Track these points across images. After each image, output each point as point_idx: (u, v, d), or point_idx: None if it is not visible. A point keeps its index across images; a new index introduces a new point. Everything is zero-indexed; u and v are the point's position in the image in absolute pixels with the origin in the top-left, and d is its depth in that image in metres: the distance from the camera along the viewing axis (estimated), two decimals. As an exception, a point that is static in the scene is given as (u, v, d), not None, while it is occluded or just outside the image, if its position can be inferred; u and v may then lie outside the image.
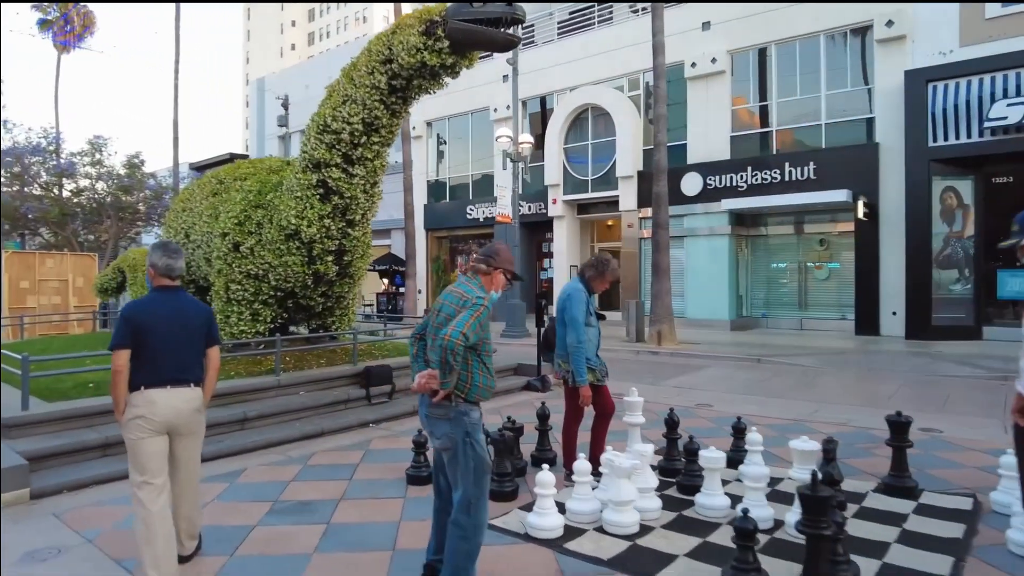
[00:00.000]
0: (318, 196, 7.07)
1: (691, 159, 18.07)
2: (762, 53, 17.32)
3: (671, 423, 5.24)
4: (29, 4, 38.64)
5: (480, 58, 7.27)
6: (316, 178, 7.00)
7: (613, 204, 19.75)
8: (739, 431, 5.43)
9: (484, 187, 23.43)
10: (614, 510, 4.01)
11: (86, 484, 4.90)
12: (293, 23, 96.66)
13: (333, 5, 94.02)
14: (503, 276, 3.36)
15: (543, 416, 5.55)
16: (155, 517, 3.24)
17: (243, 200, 7.74)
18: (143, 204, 26.19)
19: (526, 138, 17.30)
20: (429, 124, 25.00)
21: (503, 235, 22.31)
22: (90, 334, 12.14)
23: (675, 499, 4.56)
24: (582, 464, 4.25)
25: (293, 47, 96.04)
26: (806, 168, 16.08)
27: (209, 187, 8.60)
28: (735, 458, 5.17)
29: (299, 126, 29.63)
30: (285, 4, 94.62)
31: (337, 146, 6.89)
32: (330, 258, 7.45)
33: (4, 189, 24.68)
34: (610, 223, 21.88)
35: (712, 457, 4.30)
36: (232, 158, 34.92)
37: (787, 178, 16.34)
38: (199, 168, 33.75)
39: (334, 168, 6.95)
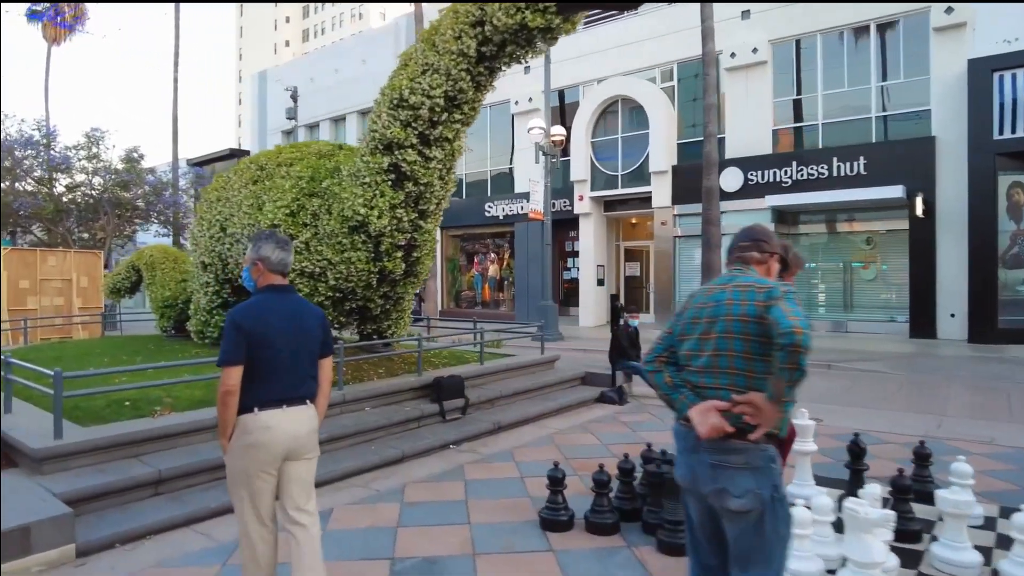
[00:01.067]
0: (389, 182, 6.10)
1: (729, 153, 17.19)
2: (807, 43, 16.48)
3: (856, 451, 4.32)
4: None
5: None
6: (388, 161, 6.02)
7: (644, 201, 18.84)
8: (922, 457, 4.53)
9: (502, 184, 22.47)
10: (856, 573, 3.07)
11: (141, 534, 3.91)
12: (287, 19, 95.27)
13: (327, 2, 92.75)
14: (777, 264, 2.47)
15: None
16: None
17: (294, 188, 6.75)
18: (142, 200, 24.98)
19: (559, 130, 16.38)
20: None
21: (524, 233, 21.39)
22: (98, 339, 11.08)
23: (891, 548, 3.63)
24: (802, 512, 3.31)
25: (287, 43, 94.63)
26: (855, 163, 15.25)
27: (248, 174, 7.59)
28: (922, 490, 4.29)
29: (307, 119, 28.58)
30: (279, 2, 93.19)
31: (414, 124, 5.92)
32: (399, 254, 6.48)
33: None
34: (634, 221, 21.00)
35: (958, 500, 3.39)
36: (232, 154, 33.75)
37: (835, 173, 15.50)
38: (198, 164, 32.60)
39: (409, 150, 5.98)
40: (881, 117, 15.44)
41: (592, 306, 19.82)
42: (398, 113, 5.92)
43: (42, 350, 8.70)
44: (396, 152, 6.00)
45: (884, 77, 15.41)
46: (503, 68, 6.04)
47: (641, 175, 18.70)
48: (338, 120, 28.95)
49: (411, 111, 5.87)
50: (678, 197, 17.84)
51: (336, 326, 7.09)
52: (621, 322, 8.93)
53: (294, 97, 22.75)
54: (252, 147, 33.60)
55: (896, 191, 14.35)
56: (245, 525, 2.85)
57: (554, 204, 20.21)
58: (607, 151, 19.53)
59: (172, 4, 29.25)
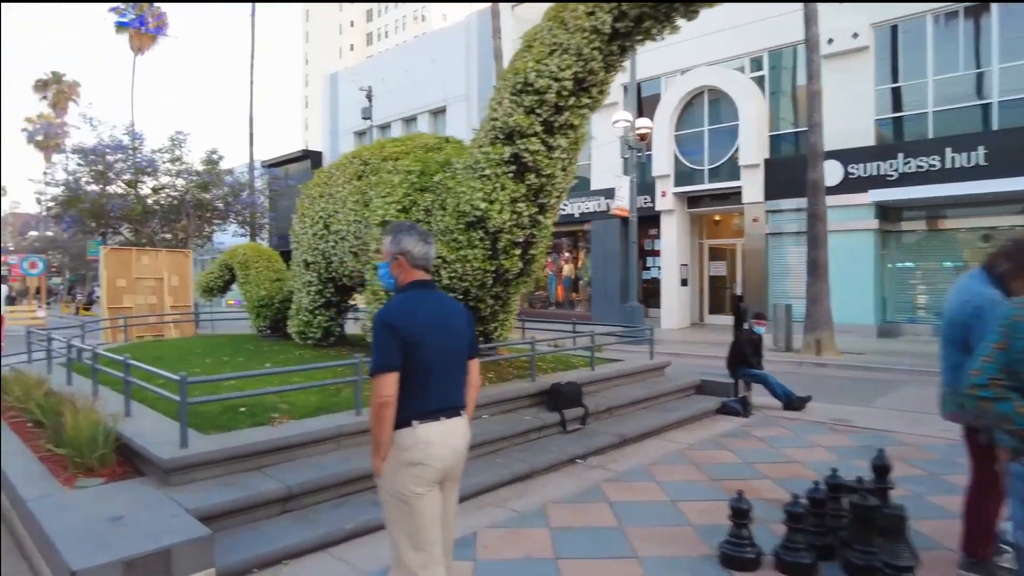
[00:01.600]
0: (510, 174, 5.66)
1: (827, 145, 16.06)
2: (912, 25, 15.27)
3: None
4: (108, 5, 39.13)
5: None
6: (509, 152, 5.57)
7: (732, 196, 17.93)
8: None
9: (578, 181, 21.86)
10: None
11: (277, 559, 3.56)
12: (352, 23, 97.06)
13: (391, 4, 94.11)
14: None
15: (882, 468, 3.94)
16: None
17: (404, 183, 6.39)
18: (221, 201, 25.54)
19: (645, 123, 15.71)
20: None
21: (600, 231, 20.77)
22: (193, 338, 11.10)
23: None
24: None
25: (352, 47, 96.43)
26: (973, 153, 13.99)
27: (351, 169, 7.29)
28: None
29: (379, 120, 28.67)
30: (344, 5, 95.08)
31: (538, 110, 5.44)
32: (517, 251, 6.03)
33: (91, 187, 24.38)
34: (718, 218, 20.07)
35: None
36: (305, 155, 34.35)
37: (948, 165, 14.27)
38: (272, 165, 33.20)
39: (533, 139, 5.52)
40: (1005, 103, 14.11)
41: (675, 307, 19.02)
42: (521, 99, 5.46)
43: (142, 348, 8.67)
44: (518, 141, 5.54)
45: (1006, 59, 14.08)
46: (634, 48, 5.52)
47: (729, 169, 17.79)
48: (409, 120, 28.97)
49: (536, 96, 5.40)
50: (771, 192, 16.87)
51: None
52: (745, 327, 8.25)
53: (369, 97, 22.78)
54: (323, 149, 34.09)
55: (1024, 183, 13.07)
56: (404, 558, 2.50)
57: (634, 201, 19.50)
58: (691, 145, 18.69)
59: (247, 7, 29.87)
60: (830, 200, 15.63)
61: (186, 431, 4.09)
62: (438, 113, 27.77)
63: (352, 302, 8.42)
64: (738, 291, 18.70)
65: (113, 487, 3.94)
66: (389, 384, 2.41)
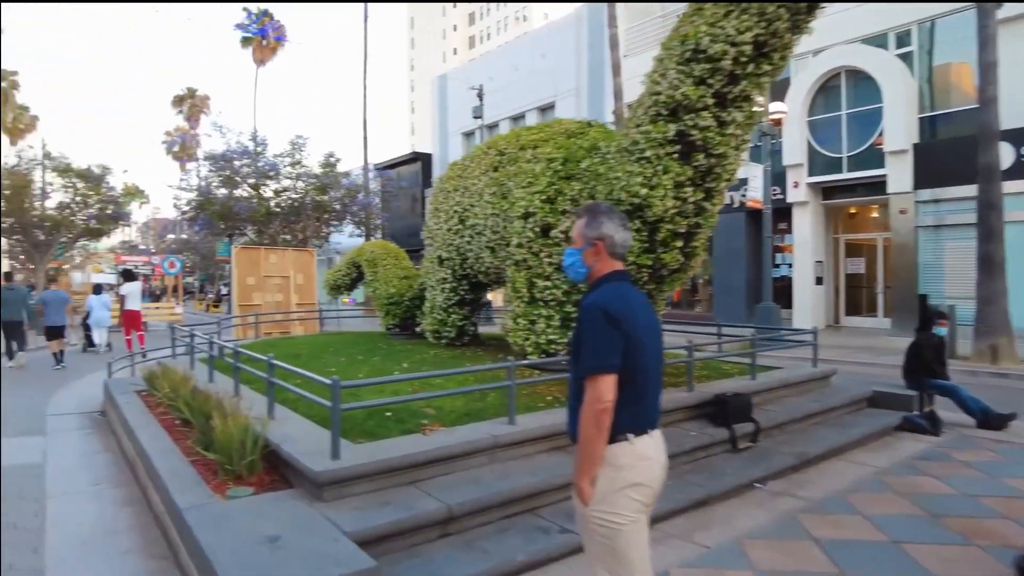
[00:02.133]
0: (675, 155, 4.99)
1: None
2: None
3: None
4: (235, 21, 41.62)
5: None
6: (674, 129, 4.92)
7: (873, 186, 16.24)
8: None
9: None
10: None
11: (445, 592, 3.11)
12: (455, 27, 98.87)
13: (493, 6, 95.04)
14: None
15: None
16: None
17: (547, 171, 5.87)
18: (338, 203, 26.34)
19: (779, 107, 14.47)
20: (629, 107, 22.69)
21: (723, 226, 19.46)
22: (320, 336, 11.17)
23: None
24: None
25: (455, 51, 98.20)
26: None
27: (487, 160, 6.88)
28: None
29: (487, 119, 28.61)
30: (446, 7, 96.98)
31: (711, 80, 4.75)
32: (678, 243, 5.35)
33: (220, 191, 25.87)
34: (853, 210, 18.32)
35: None
36: (415, 157, 34.96)
37: None
38: (383, 168, 33.88)
39: (703, 114, 4.83)
40: None
41: (809, 308, 17.50)
42: (691, 68, 4.78)
43: (277, 346, 8.69)
44: (685, 117, 4.87)
45: None
46: (824, 4, 4.71)
47: (871, 157, 16.12)
48: (517, 118, 28.70)
49: (709, 64, 4.71)
50: (920, 180, 15.09)
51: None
52: (932, 328, 7.13)
53: (480, 95, 22.66)
54: (432, 151, 34.55)
55: None
56: None
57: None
58: (827, 131, 17.11)
59: (356, 16, 30.73)
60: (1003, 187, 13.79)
61: (338, 441, 3.74)
62: (546, 109, 27.32)
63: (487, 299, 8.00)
64: (896, 289, 16.95)
65: (264, 500, 3.64)
66: (610, 387, 2.07)
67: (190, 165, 26.74)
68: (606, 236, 2.31)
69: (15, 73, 45.31)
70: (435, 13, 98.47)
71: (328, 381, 3.78)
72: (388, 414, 4.69)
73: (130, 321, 12.94)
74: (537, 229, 5.70)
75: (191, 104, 57.48)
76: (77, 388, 9.46)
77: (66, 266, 33.49)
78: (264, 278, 13.28)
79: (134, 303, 13.21)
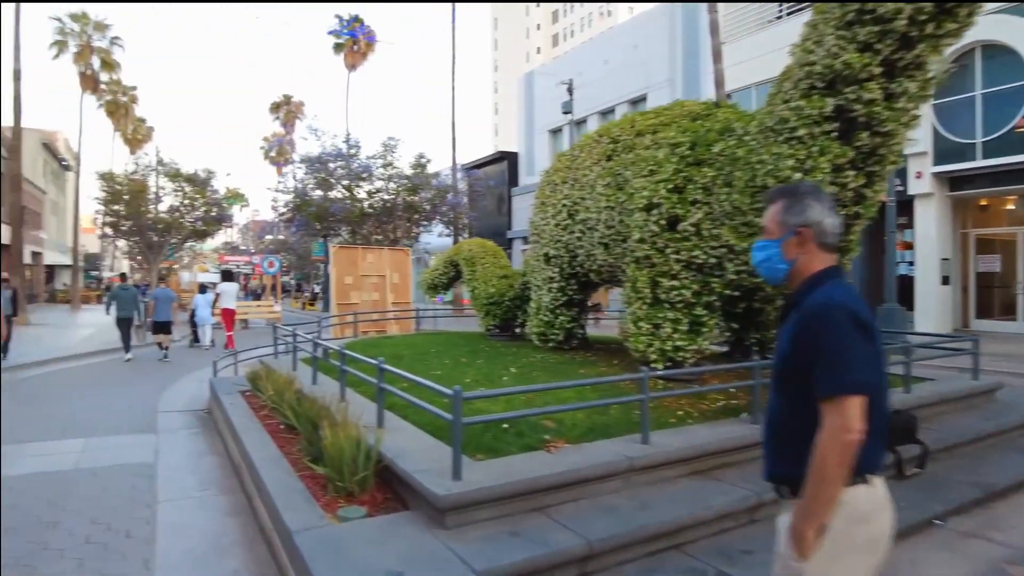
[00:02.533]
0: (833, 134, 4.31)
1: None
2: None
3: None
4: (328, 28, 43.01)
5: None
6: (832, 104, 4.23)
7: (1013, 174, 14.51)
8: None
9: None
10: None
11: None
12: (538, 26, 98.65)
13: (576, 4, 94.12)
14: None
15: None
16: None
17: (672, 157, 5.29)
18: (428, 203, 26.51)
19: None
20: (729, 96, 21.50)
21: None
22: (419, 336, 10.99)
23: None
24: None
25: (539, 50, 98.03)
26: None
27: (599, 149, 6.36)
28: None
29: (576, 114, 28.06)
30: (530, 7, 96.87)
31: (879, 45, 4.04)
32: (832, 237, 4.65)
33: (315, 193, 26.64)
34: (984, 202, 16.50)
35: None
36: (502, 157, 34.85)
37: None
38: (470, 168, 33.96)
39: (869, 85, 4.12)
40: None
41: (934, 310, 15.90)
42: (854, 32, 4.08)
43: (377, 346, 8.50)
44: (846, 90, 4.18)
45: None
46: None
47: (1010, 141, 14.41)
48: (606, 112, 27.95)
49: (877, 26, 4.00)
50: (1079, 166, 13.34)
51: (728, 336, 5.48)
52: None
53: (570, 90, 22.12)
54: (519, 149, 34.31)
55: None
56: None
57: (881, 185, 16.64)
58: (956, 115, 15.46)
59: (441, 17, 30.84)
60: None
61: (460, 459, 3.33)
62: (638, 102, 26.44)
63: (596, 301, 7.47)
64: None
65: (380, 524, 3.28)
66: (862, 412, 1.61)
67: (286, 168, 27.70)
68: (814, 222, 1.82)
69: (134, 88, 48.67)
70: (518, 12, 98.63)
71: (449, 391, 3.38)
72: (506, 427, 4.26)
73: (225, 318, 14.03)
74: (663, 222, 5.13)
75: (287, 110, 60.01)
76: (185, 385, 9.67)
77: (175, 266, 35.60)
78: (361, 277, 13.30)
79: (229, 302, 14.08)
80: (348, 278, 13.19)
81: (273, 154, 63.97)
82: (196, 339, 14.86)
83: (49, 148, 45.72)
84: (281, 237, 50.37)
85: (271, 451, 4.56)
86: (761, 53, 18.95)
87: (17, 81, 20.94)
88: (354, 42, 42.51)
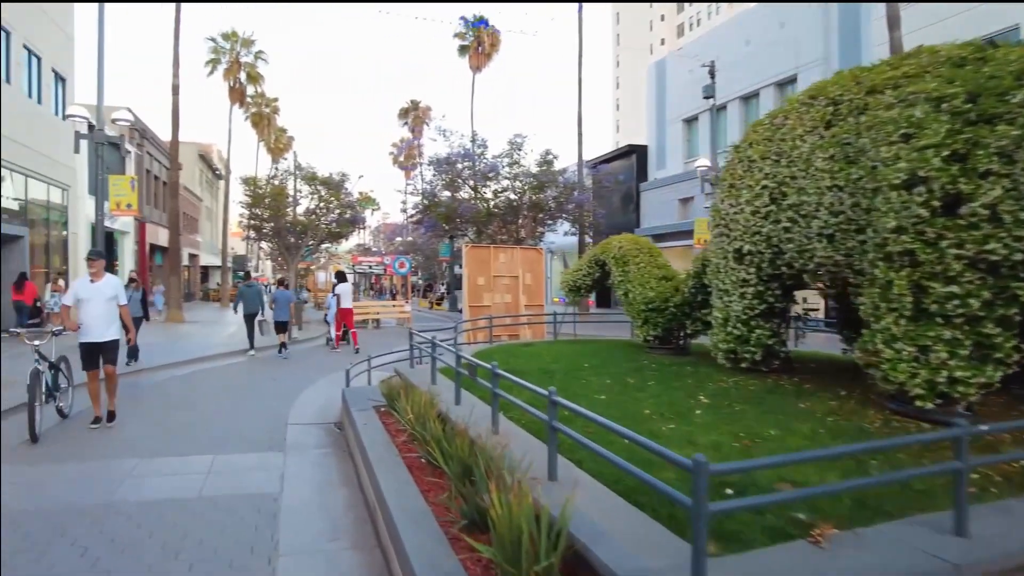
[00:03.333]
0: None
1: None
2: None
3: None
4: (452, 30, 43.40)
5: None
6: None
7: None
8: None
9: None
10: None
11: None
12: (662, 17, 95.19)
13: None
14: None
15: None
16: None
17: (938, 116, 3.82)
18: (553, 201, 25.53)
19: None
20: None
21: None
22: (561, 344, 9.96)
23: None
24: None
25: (663, 42, 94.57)
26: None
27: (814, 114, 4.95)
28: None
29: (720, 99, 25.99)
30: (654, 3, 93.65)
31: None
32: None
33: (444, 194, 26.54)
34: None
35: None
36: (630, 151, 33.23)
37: None
38: (596, 164, 32.64)
39: None
40: None
41: None
42: None
43: (516, 355, 7.52)
44: None
45: None
46: None
47: None
48: (748, 98, 25.65)
49: None
50: None
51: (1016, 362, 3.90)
52: None
53: (712, 72, 20.21)
54: (648, 142, 32.55)
55: None
56: None
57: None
58: None
59: (564, 16, 29.74)
60: None
61: (704, 564, 2.16)
62: (785, 85, 23.98)
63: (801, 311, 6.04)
64: None
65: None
66: None
67: (415, 171, 27.79)
68: None
69: (275, 99, 51.79)
70: (641, 4, 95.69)
71: (686, 462, 2.20)
72: (729, 492, 3.04)
73: (344, 317, 14.64)
74: (934, 203, 3.68)
75: (414, 115, 61.57)
76: (318, 391, 9.23)
77: (312, 267, 37.19)
78: (493, 278, 12.49)
79: (347, 302, 14.66)
80: (480, 279, 12.41)
81: (402, 159, 66.11)
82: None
83: (204, 159, 49.67)
84: (410, 239, 51.70)
85: (413, 501, 3.62)
86: (951, 13, 16.21)
87: (175, 95, 22.24)
88: (478, 43, 42.58)
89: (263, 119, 50.12)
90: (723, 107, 26.56)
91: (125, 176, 14.02)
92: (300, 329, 20.08)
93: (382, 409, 6.01)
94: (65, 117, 14.88)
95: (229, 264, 42.43)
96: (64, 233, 20.47)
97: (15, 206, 17.45)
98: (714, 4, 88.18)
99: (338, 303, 14.74)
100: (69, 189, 19.79)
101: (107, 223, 24.45)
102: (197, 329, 18.77)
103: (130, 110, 28.16)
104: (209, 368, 11.67)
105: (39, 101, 19.01)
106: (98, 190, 13.61)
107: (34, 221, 18.74)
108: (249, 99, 46.85)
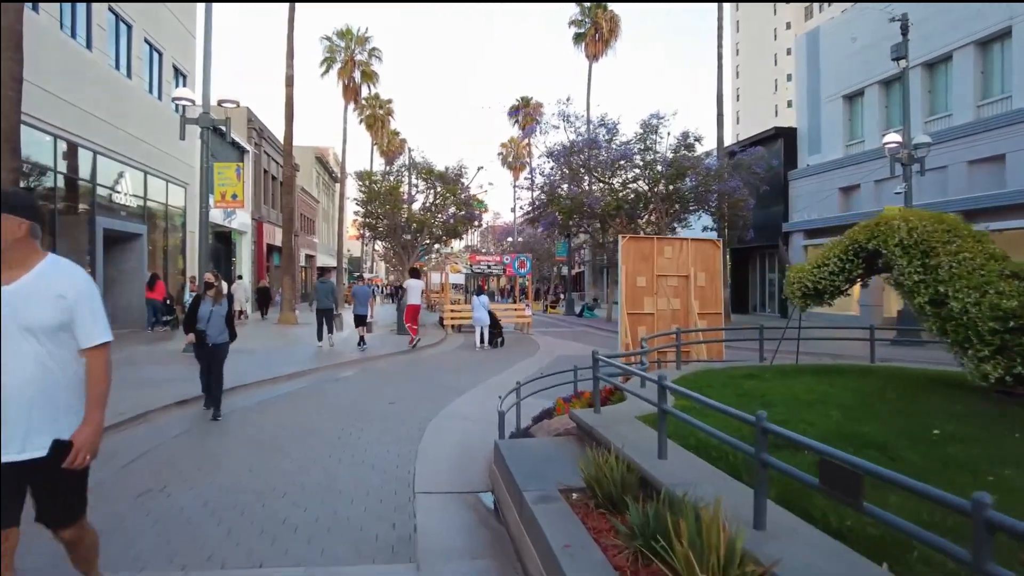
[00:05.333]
0: None
1: None
2: None
3: None
4: (568, 19, 41.03)
5: None
6: None
7: None
8: None
9: None
10: None
11: None
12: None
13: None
14: None
15: None
16: None
17: None
18: (690, 191, 22.36)
19: None
20: None
21: None
22: (761, 367, 7.21)
23: None
24: None
25: (788, 26, 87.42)
26: None
27: None
28: None
29: (873, 77, 21.90)
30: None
31: None
32: None
33: (563, 187, 24.12)
34: None
35: None
36: (777, 134, 29.28)
37: None
38: (732, 152, 28.99)
39: None
40: None
41: None
42: None
43: (749, 396, 4.87)
44: None
45: None
46: None
47: None
48: (936, 63, 21.31)
49: None
50: None
51: None
52: None
53: (904, 27, 16.26)
54: (799, 123, 28.58)
55: None
56: None
57: None
58: None
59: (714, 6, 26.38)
60: None
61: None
62: (990, 42, 19.59)
63: None
64: None
65: None
66: None
67: (536, 160, 25.41)
68: None
69: (389, 101, 51.54)
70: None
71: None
72: None
73: (411, 314, 15.14)
74: None
75: (525, 112, 59.61)
76: (450, 424, 7.01)
77: (425, 267, 35.95)
78: (657, 278, 9.83)
79: (415, 298, 15.35)
80: (640, 279, 9.80)
81: (510, 160, 64.50)
82: (491, 341, 15.88)
83: (321, 161, 50.19)
84: (521, 239, 49.76)
85: None
86: None
87: (289, 86, 21.25)
88: (596, 30, 39.90)
89: (377, 121, 50.01)
90: (895, 79, 22.35)
91: (231, 164, 12.59)
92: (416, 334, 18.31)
93: (574, 494, 3.58)
94: (173, 101, 13.69)
95: (345, 265, 42.25)
96: (180, 234, 19.86)
97: (133, 203, 16.77)
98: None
99: (405, 298, 15.44)
100: (188, 187, 19.10)
101: (224, 221, 24.02)
102: (307, 333, 17.40)
103: (249, 109, 27.65)
104: (311, 385, 9.84)
105: (159, 97, 18.38)
106: (203, 179, 12.23)
107: (153, 220, 18.09)
108: (364, 101, 46.75)
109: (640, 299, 9.76)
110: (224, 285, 20.49)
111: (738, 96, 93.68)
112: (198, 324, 7.07)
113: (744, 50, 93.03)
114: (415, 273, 16.75)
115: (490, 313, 16.26)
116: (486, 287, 60.46)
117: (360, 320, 14.16)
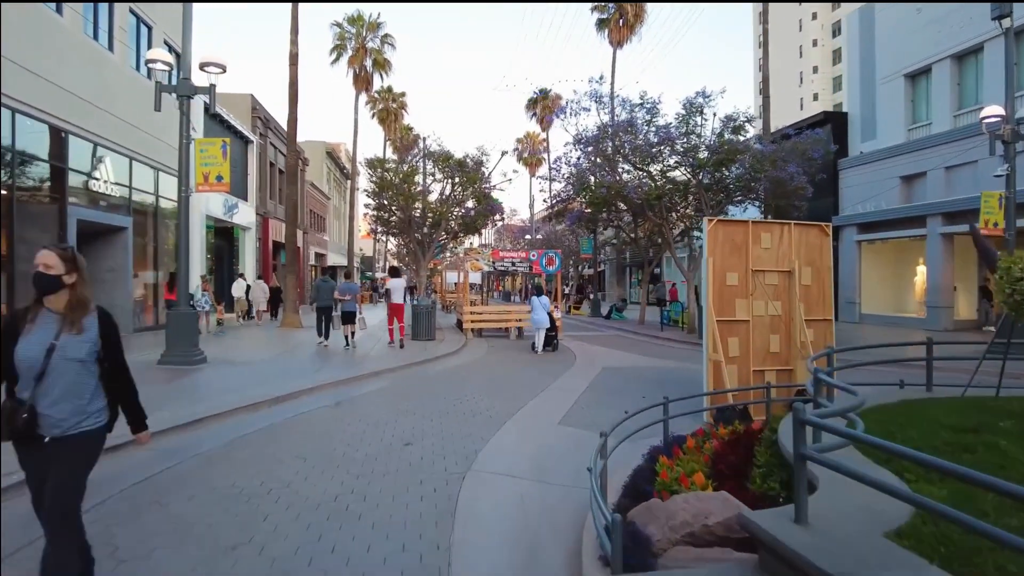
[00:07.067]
0: None
1: None
2: None
3: None
4: (590, 5, 38.75)
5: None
6: None
7: None
8: None
9: None
10: None
11: None
12: (813, 15, 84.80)
13: (867, -48, 78.91)
14: None
15: None
16: None
17: None
18: (734, 180, 20.00)
19: None
20: None
21: None
22: (971, 403, 4.99)
23: None
24: None
25: (814, 16, 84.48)
26: None
27: None
28: None
29: (975, 36, 19.36)
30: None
31: None
32: None
33: (595, 176, 21.93)
34: None
35: None
36: (826, 119, 26.81)
37: None
38: (785, 136, 26.57)
39: None
40: None
41: None
42: None
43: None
44: None
45: None
46: None
47: None
48: (1021, 33, 18.80)
49: None
50: None
51: None
52: None
53: (1003, -15, 13.83)
54: (850, 107, 26.13)
55: None
56: None
57: None
58: None
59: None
60: None
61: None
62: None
63: None
64: None
65: None
66: None
67: (566, 146, 23.12)
68: None
69: (402, 94, 49.50)
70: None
71: None
72: None
73: (394, 313, 14.93)
74: None
75: (543, 106, 57.11)
76: (495, 482, 4.84)
77: (439, 266, 33.78)
78: (752, 274, 7.60)
79: (398, 297, 15.12)
80: (732, 275, 7.55)
81: (525, 156, 62.27)
82: (549, 343, 15.20)
83: (332, 156, 48.22)
84: (540, 236, 47.53)
85: None
86: None
87: (293, 65, 19.22)
88: (620, 15, 37.62)
89: (390, 115, 48.06)
90: (966, 54, 19.94)
91: (215, 140, 10.48)
92: (433, 339, 16.19)
93: None
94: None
95: (356, 264, 40.27)
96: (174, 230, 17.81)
97: (115, 192, 14.73)
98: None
99: (389, 298, 15.21)
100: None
101: (225, 216, 22.02)
102: (310, 338, 15.31)
103: (253, 96, 25.48)
104: (308, 412, 7.70)
105: (148, 76, 16.35)
106: (181, 158, 10.15)
107: (139, 212, 16.04)
108: (376, 94, 44.79)
109: (732, 301, 7.51)
110: (241, 284, 18.55)
111: (759, 89, 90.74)
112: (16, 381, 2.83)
113: (769, 40, 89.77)
114: (395, 272, 16.79)
115: (548, 315, 15.32)
116: (500, 287, 58.08)
117: (348, 318, 14.00)
